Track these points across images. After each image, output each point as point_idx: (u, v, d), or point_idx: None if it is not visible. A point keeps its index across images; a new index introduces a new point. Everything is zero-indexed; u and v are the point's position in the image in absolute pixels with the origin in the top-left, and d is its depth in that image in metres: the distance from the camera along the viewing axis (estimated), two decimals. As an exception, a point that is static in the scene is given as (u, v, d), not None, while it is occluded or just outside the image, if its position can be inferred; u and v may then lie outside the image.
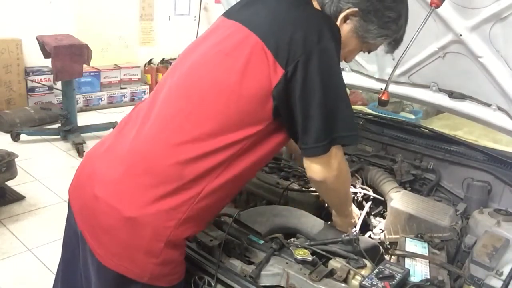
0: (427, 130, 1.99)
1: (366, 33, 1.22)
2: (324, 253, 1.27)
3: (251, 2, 1.26)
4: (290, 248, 1.29)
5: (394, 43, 1.29)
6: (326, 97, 1.09)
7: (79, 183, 1.25)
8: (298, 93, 1.08)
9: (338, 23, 1.19)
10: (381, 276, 1.10)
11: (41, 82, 5.32)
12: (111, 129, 2.10)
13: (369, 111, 3.25)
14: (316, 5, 1.21)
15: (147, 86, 6.38)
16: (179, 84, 1.20)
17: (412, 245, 1.31)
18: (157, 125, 1.17)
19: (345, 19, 1.20)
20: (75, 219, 1.23)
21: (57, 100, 5.40)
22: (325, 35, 1.09)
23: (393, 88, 1.92)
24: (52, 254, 2.44)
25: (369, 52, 1.32)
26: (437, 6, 1.44)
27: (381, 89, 1.62)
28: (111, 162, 1.19)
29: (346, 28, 1.21)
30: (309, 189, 1.63)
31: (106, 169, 1.18)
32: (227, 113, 1.11)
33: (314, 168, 1.17)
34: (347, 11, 1.18)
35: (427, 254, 1.27)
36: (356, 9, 1.18)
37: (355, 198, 1.68)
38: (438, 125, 2.96)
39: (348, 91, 4.52)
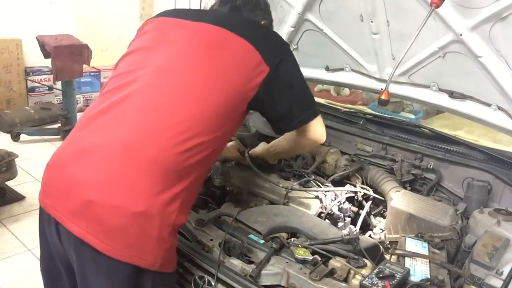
0: (427, 130, 1.99)
1: None
2: (324, 252, 1.27)
3: (205, 10, 1.54)
4: (291, 247, 1.29)
5: None
6: (302, 83, 1.41)
7: (60, 193, 1.20)
8: (282, 84, 1.34)
9: None
10: (381, 275, 1.10)
11: (41, 82, 5.32)
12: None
13: (369, 111, 3.25)
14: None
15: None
16: (158, 80, 1.25)
17: (412, 245, 1.32)
18: (148, 120, 1.19)
19: None
20: (67, 227, 1.16)
21: (57, 100, 5.40)
22: (284, 40, 1.51)
23: (393, 88, 1.92)
24: (52, 254, 2.43)
25: None
26: (437, 6, 1.44)
27: (381, 89, 1.62)
28: (98, 164, 1.15)
29: None
30: (310, 188, 1.63)
31: (95, 172, 1.15)
32: (217, 111, 1.24)
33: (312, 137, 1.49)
34: (263, 22, 1.55)
35: (427, 254, 1.27)
36: (267, 21, 1.58)
37: (355, 198, 1.68)
38: (438, 125, 2.96)
39: (348, 91, 4.53)
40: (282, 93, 1.35)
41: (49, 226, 1.24)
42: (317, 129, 1.45)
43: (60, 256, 1.26)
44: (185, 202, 1.21)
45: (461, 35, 1.57)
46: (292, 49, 2.24)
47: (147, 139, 1.17)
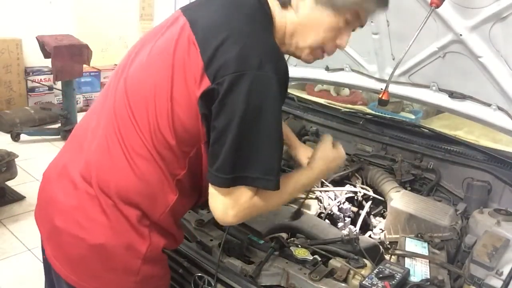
0: (427, 130, 1.99)
1: None
2: (324, 252, 1.27)
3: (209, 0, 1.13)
4: (290, 247, 1.29)
5: None
6: (245, 130, 0.94)
7: (41, 208, 1.18)
8: (216, 114, 0.96)
9: (293, 2, 1.02)
10: (381, 275, 1.09)
11: (41, 82, 5.32)
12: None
13: (369, 111, 3.24)
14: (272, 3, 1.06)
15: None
16: (125, 90, 1.11)
17: (412, 245, 1.31)
18: (106, 139, 1.08)
19: None
20: (43, 246, 1.14)
21: (57, 100, 5.40)
22: (268, 63, 0.94)
23: (393, 88, 1.92)
24: (52, 254, 2.43)
25: (361, 26, 1.07)
26: (437, 6, 1.44)
27: (381, 89, 1.62)
28: (66, 187, 1.09)
29: (306, 4, 1.01)
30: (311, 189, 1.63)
31: (62, 195, 1.09)
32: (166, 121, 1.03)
33: (214, 203, 1.03)
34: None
35: (427, 254, 1.27)
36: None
37: (355, 198, 1.68)
38: (438, 125, 2.95)
39: (348, 91, 4.51)
40: (212, 125, 0.98)
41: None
42: (216, 203, 1.02)
43: None
44: (163, 228, 1.10)
45: (461, 35, 1.57)
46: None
47: (106, 165, 1.07)
